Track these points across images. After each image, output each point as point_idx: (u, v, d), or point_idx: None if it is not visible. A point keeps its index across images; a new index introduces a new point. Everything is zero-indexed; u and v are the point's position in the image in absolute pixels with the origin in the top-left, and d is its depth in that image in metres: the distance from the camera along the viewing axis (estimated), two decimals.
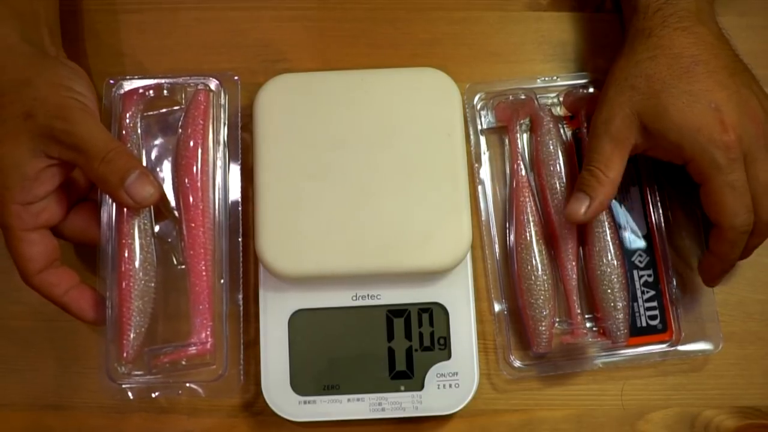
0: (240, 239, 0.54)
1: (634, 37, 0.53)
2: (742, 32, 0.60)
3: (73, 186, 0.51)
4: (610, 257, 0.54)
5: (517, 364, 0.55)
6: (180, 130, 0.53)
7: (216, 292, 0.53)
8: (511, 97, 0.57)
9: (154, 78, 0.55)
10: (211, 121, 0.54)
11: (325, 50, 0.62)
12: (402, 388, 0.55)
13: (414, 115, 0.55)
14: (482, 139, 0.58)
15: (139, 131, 0.53)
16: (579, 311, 0.55)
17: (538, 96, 0.57)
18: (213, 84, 0.55)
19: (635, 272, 0.56)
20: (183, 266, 0.53)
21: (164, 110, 0.55)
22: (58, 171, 0.48)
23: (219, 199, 0.53)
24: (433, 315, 0.55)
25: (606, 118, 0.51)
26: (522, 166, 0.57)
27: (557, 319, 0.55)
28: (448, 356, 0.55)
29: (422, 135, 0.55)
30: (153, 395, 0.53)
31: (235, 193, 0.55)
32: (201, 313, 0.52)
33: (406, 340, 0.55)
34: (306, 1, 0.63)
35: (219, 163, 0.54)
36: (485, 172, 0.58)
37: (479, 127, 0.58)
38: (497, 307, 0.56)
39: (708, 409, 0.57)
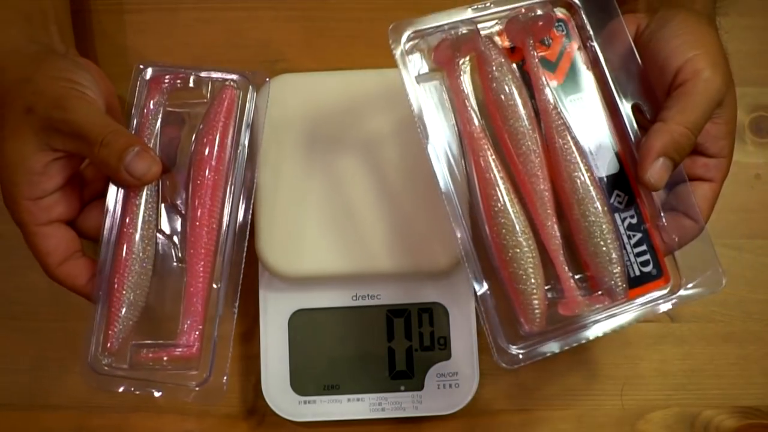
0: (245, 244, 0.52)
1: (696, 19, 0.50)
2: (742, 32, 0.60)
3: (88, 183, 0.51)
4: (595, 204, 0.46)
5: (513, 350, 0.47)
6: (201, 125, 0.52)
7: (211, 296, 0.51)
8: (451, 32, 0.47)
9: (183, 68, 0.53)
10: (233, 120, 0.52)
11: (325, 50, 0.62)
12: (402, 388, 0.55)
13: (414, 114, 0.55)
14: (420, 89, 0.48)
15: (159, 120, 0.52)
16: (570, 274, 0.47)
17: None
18: (239, 81, 0.52)
19: (617, 215, 0.49)
20: (183, 264, 0.52)
21: (188, 102, 0.53)
22: (65, 164, 0.48)
23: (231, 201, 0.52)
24: (433, 315, 0.55)
25: (723, 92, 0.48)
26: (473, 115, 0.47)
27: (548, 287, 0.47)
28: (448, 356, 0.55)
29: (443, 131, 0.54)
30: (128, 389, 0.49)
31: (249, 197, 0.52)
32: (192, 314, 0.50)
33: (406, 340, 0.55)
34: (306, 1, 0.63)
35: (236, 164, 0.52)
36: (432, 132, 0.47)
37: (413, 76, 0.48)
38: (479, 290, 0.47)
39: (708, 409, 0.57)
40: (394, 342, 0.55)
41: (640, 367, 0.57)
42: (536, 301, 0.46)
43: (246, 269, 0.56)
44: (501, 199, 0.46)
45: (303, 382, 0.55)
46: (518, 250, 0.46)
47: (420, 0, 0.62)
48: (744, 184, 0.60)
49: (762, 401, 0.57)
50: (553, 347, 0.47)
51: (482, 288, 0.47)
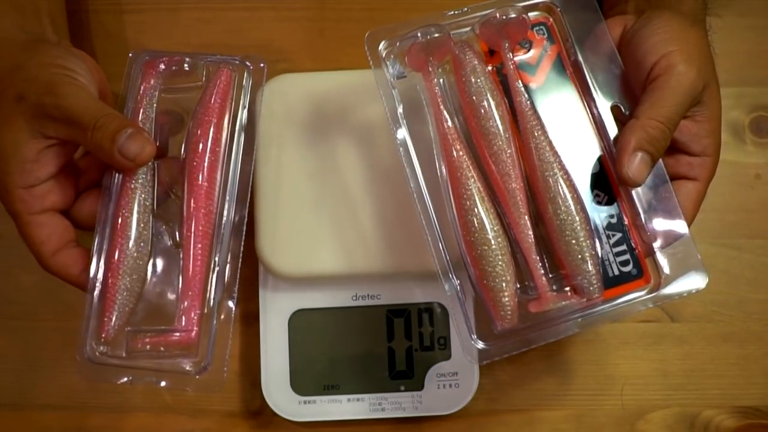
0: (244, 227, 0.51)
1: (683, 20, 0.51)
2: (742, 32, 0.60)
3: (83, 172, 0.51)
4: (567, 202, 0.46)
5: (481, 345, 0.47)
6: (197, 106, 0.51)
7: (209, 280, 0.49)
8: (421, 36, 0.48)
9: (178, 53, 0.52)
10: (229, 101, 0.52)
11: (325, 50, 0.62)
12: (402, 388, 0.55)
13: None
14: (395, 94, 0.49)
15: (154, 105, 0.51)
16: (542, 272, 0.47)
17: (451, 33, 0.49)
18: (235, 65, 0.52)
19: (596, 215, 0.49)
20: (180, 249, 0.50)
21: (183, 86, 0.52)
22: (59, 151, 0.48)
23: (229, 183, 0.50)
24: (433, 315, 0.55)
25: (697, 86, 0.48)
26: (446, 116, 0.48)
27: (518, 286, 0.47)
28: (448, 356, 0.55)
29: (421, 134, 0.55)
30: (125, 379, 0.48)
31: (245, 181, 0.51)
32: (190, 298, 0.48)
33: (406, 340, 0.55)
34: (306, 1, 0.63)
35: (234, 146, 0.51)
36: (404, 134, 0.49)
37: (389, 81, 0.49)
38: (448, 287, 0.47)
39: (708, 409, 0.57)
40: (394, 342, 0.55)
41: (640, 367, 0.57)
42: (506, 299, 0.46)
43: (246, 269, 0.56)
44: (471, 196, 0.47)
45: (303, 382, 0.55)
46: (487, 247, 0.46)
47: (418, 1, 0.63)
48: (744, 184, 0.60)
49: (762, 401, 0.57)
50: (525, 344, 0.47)
51: (451, 286, 0.47)
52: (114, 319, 0.48)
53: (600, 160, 0.49)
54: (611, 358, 0.57)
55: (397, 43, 0.49)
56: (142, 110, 0.50)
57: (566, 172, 0.47)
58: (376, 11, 0.62)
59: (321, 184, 0.54)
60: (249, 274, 0.56)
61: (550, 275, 0.48)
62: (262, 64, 0.52)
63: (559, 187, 0.47)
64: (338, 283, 0.55)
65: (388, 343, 0.55)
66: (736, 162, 0.60)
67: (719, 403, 0.57)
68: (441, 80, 0.49)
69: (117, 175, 0.49)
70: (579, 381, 0.57)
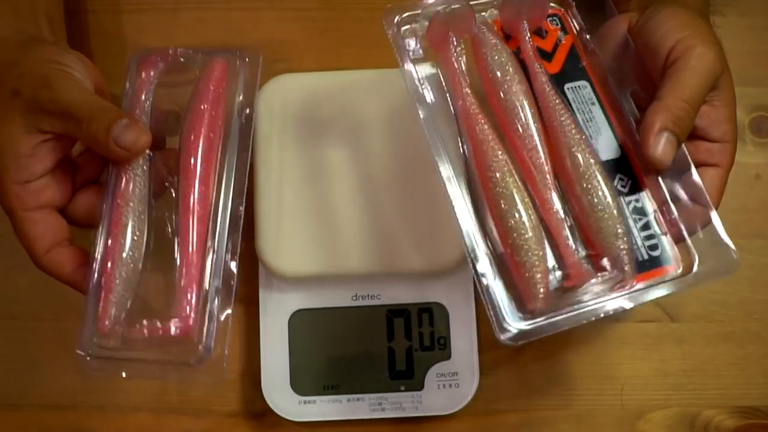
0: (242, 214, 0.49)
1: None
2: (742, 32, 0.60)
3: (81, 169, 0.51)
4: (598, 178, 0.46)
5: (513, 327, 0.44)
6: (191, 96, 0.51)
7: (206, 267, 0.48)
8: (443, 9, 0.47)
9: (174, 48, 0.52)
10: (224, 89, 0.51)
11: (325, 50, 0.62)
12: (402, 388, 0.55)
13: (414, 114, 0.55)
14: (416, 72, 0.48)
15: (150, 97, 0.50)
16: (574, 248, 0.46)
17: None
18: (230, 57, 0.52)
19: (621, 200, 0.48)
20: (177, 238, 0.49)
21: (179, 80, 0.52)
22: (54, 146, 0.48)
23: (225, 172, 0.50)
24: (433, 315, 0.55)
25: (717, 67, 0.47)
26: (468, 91, 0.47)
27: (552, 266, 0.46)
28: (448, 356, 0.55)
29: (422, 134, 0.55)
30: (124, 374, 0.47)
31: (242, 171, 0.50)
32: (186, 284, 0.47)
33: (406, 340, 0.55)
34: (306, 1, 0.63)
35: (230, 136, 0.50)
36: (429, 103, 0.47)
37: (409, 58, 0.48)
38: (480, 267, 0.45)
39: (708, 409, 0.57)
40: (394, 342, 0.55)
41: (640, 367, 0.57)
42: (539, 275, 0.44)
43: (246, 269, 0.56)
44: (499, 168, 0.45)
45: (303, 382, 0.55)
46: (517, 220, 0.45)
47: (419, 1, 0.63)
48: (744, 184, 0.60)
49: (762, 401, 0.57)
50: (559, 325, 0.44)
51: (482, 264, 0.45)
52: (112, 310, 0.47)
53: (621, 147, 0.48)
54: (611, 358, 0.57)
55: (416, 21, 0.48)
56: (138, 104, 0.50)
57: (593, 150, 0.46)
58: (377, 11, 0.62)
59: (321, 185, 0.54)
60: (249, 274, 0.56)
61: (581, 255, 0.46)
62: (257, 56, 0.51)
63: (588, 163, 0.46)
64: (338, 283, 0.55)
65: (388, 343, 0.55)
66: (736, 162, 0.59)
67: (719, 403, 0.57)
68: (461, 58, 0.48)
69: (113, 168, 0.48)
70: (579, 381, 0.57)
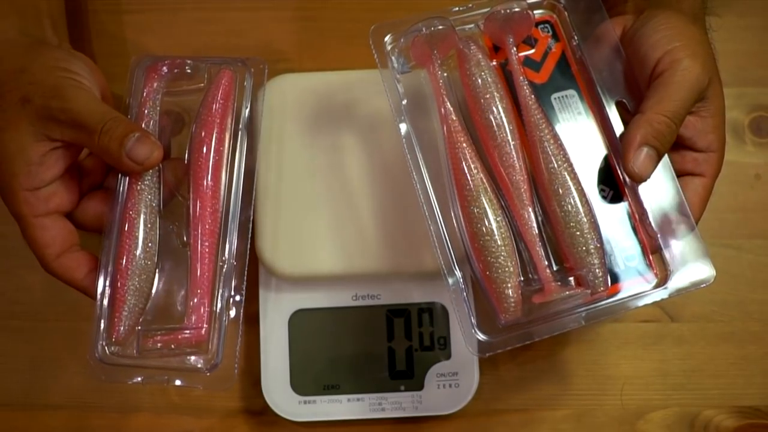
0: (250, 225, 0.51)
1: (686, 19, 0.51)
2: (741, 32, 0.60)
3: (87, 174, 0.51)
4: (572, 193, 0.46)
5: (482, 337, 0.47)
6: (200, 107, 0.52)
7: (217, 276, 0.50)
8: (425, 29, 0.48)
9: (180, 57, 0.53)
10: (231, 101, 0.52)
11: (325, 50, 0.62)
12: (402, 387, 0.55)
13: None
14: (399, 87, 0.49)
15: (157, 108, 0.51)
16: (546, 263, 0.47)
17: (456, 29, 0.49)
18: (236, 66, 0.53)
19: (602, 210, 0.49)
20: (188, 249, 0.50)
21: (186, 89, 0.53)
22: (63, 154, 0.48)
23: (233, 182, 0.51)
24: (433, 315, 0.55)
25: (702, 81, 0.48)
26: (450, 108, 0.48)
27: (522, 279, 0.47)
28: (448, 356, 0.55)
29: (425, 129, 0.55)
30: (137, 379, 0.49)
31: (250, 180, 0.52)
32: (199, 296, 0.49)
33: (406, 340, 0.55)
34: (306, 1, 0.63)
35: (237, 147, 0.51)
36: (408, 127, 0.49)
37: (395, 75, 0.49)
38: (451, 281, 0.47)
39: (708, 409, 0.57)
40: (394, 342, 0.55)
41: (640, 367, 0.57)
42: (510, 290, 0.46)
43: (246, 269, 0.56)
44: (475, 187, 0.46)
45: (303, 382, 0.55)
46: (489, 238, 0.46)
47: (419, 1, 0.63)
48: (744, 184, 0.60)
49: (762, 401, 0.57)
50: (528, 337, 0.46)
51: (454, 278, 0.47)
52: (124, 319, 0.48)
53: (605, 156, 0.49)
54: (611, 358, 0.57)
55: (401, 39, 0.49)
56: (146, 113, 0.51)
57: (570, 165, 0.47)
58: (376, 11, 0.63)
59: (321, 184, 0.54)
60: (249, 274, 0.56)
61: (555, 268, 0.48)
62: (262, 66, 0.52)
63: (564, 179, 0.46)
64: (338, 283, 0.55)
65: (388, 343, 0.55)
66: (735, 162, 0.60)
67: (719, 403, 0.57)
68: (445, 74, 0.49)
69: (123, 177, 0.49)
70: (579, 381, 0.57)
